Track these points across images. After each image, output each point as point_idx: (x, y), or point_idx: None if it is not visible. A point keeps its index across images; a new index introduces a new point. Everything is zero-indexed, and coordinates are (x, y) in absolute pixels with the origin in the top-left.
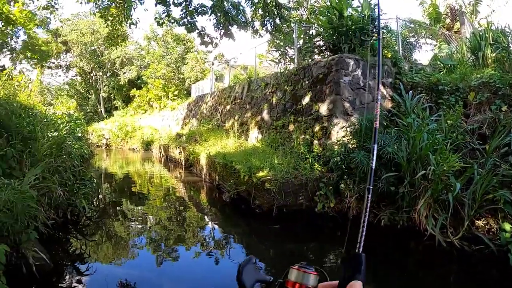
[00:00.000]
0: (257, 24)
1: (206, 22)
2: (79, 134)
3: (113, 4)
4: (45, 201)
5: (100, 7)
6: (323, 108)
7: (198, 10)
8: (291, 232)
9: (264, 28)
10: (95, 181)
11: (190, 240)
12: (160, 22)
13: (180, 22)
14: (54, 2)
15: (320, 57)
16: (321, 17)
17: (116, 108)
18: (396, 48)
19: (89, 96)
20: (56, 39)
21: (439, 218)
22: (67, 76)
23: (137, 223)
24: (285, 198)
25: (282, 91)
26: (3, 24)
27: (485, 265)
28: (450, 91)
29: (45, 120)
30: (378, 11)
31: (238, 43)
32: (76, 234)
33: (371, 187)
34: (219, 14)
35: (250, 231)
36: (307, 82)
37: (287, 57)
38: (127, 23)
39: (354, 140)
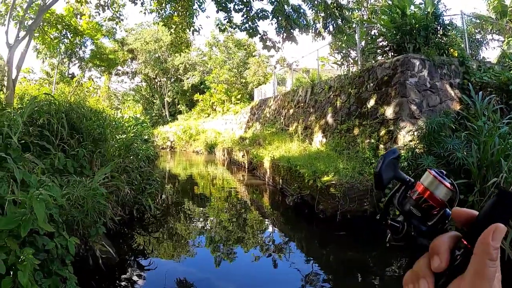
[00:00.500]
0: (318, 26)
1: (268, 26)
2: (146, 137)
3: (175, 12)
4: (113, 199)
5: (163, 16)
6: (389, 111)
7: (259, 15)
8: (353, 239)
9: (326, 30)
10: (159, 181)
11: (250, 242)
12: (222, 28)
13: (242, 28)
14: (119, 13)
15: (383, 58)
16: (383, 17)
17: (180, 112)
18: (463, 46)
19: (154, 101)
20: (123, 48)
21: (510, 231)
22: (132, 82)
23: (198, 222)
24: (349, 203)
25: (346, 94)
26: (71, 35)
27: None
28: None
29: (114, 123)
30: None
31: (299, 47)
32: (140, 231)
33: None
34: (280, 18)
35: (312, 236)
36: (371, 84)
37: (350, 59)
38: (190, 30)
39: (422, 145)
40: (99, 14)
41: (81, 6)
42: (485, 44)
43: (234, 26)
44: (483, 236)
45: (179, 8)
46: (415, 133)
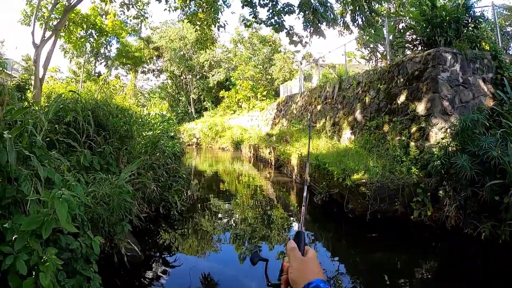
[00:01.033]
0: (347, 19)
1: (294, 21)
2: (172, 134)
3: (199, 9)
4: (139, 196)
5: (187, 13)
6: (420, 107)
7: (285, 10)
8: (383, 240)
9: (355, 23)
10: (185, 178)
11: (276, 240)
12: (248, 24)
13: (268, 23)
14: (144, 11)
15: (412, 52)
16: (412, 9)
17: (206, 109)
18: (494, 39)
19: (180, 98)
20: (148, 46)
21: None
22: (158, 80)
23: (223, 219)
24: (380, 203)
25: (375, 90)
26: (97, 34)
27: None
28: None
29: (140, 120)
30: None
31: (324, 42)
32: (166, 228)
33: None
34: (307, 12)
35: (340, 237)
36: (401, 79)
37: (378, 53)
38: (215, 26)
39: (455, 143)
40: (124, 13)
41: (105, 5)
42: None
43: (259, 22)
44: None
45: (204, 4)
46: (448, 130)
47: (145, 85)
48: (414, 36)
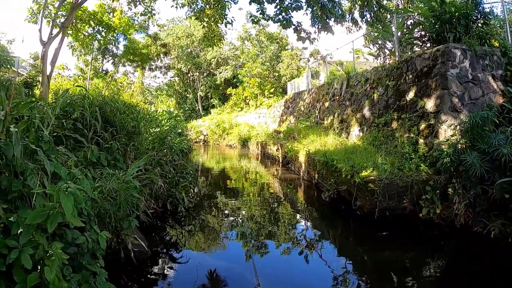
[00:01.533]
0: (355, 15)
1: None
2: (179, 130)
3: (207, 5)
4: (146, 192)
5: (195, 10)
6: (429, 104)
7: (293, 6)
8: (391, 238)
9: (363, 19)
10: (193, 174)
11: (283, 238)
12: (255, 20)
13: (275, 19)
14: (151, 8)
15: (421, 48)
16: (420, 5)
17: (213, 106)
18: (503, 35)
19: (187, 95)
20: (155, 42)
21: None
22: (165, 77)
23: (231, 216)
24: (388, 200)
25: (383, 87)
26: (104, 32)
27: None
28: None
29: (147, 117)
30: None
31: (332, 39)
32: (173, 224)
33: None
34: (315, 8)
35: (348, 234)
36: (410, 76)
37: (386, 50)
38: (222, 22)
39: (464, 140)
40: (131, 10)
41: (113, 2)
42: None
43: (267, 18)
44: None
45: (211, 0)
46: (457, 127)
47: (153, 82)
48: (422, 33)
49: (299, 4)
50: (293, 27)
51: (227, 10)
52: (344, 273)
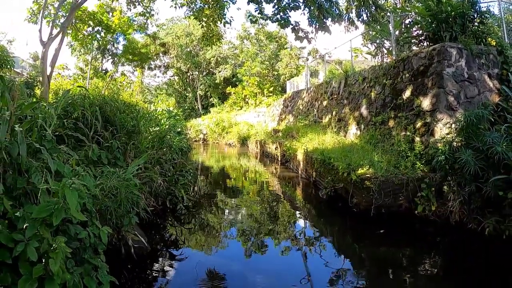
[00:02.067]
0: (352, 15)
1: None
2: (179, 129)
3: (205, 5)
4: (146, 190)
5: (194, 10)
6: (425, 103)
7: (290, 5)
8: (387, 235)
9: (359, 19)
10: (192, 173)
11: (281, 235)
12: (253, 20)
13: (273, 19)
14: (150, 8)
15: (418, 47)
16: (417, 4)
17: (213, 105)
18: (500, 34)
19: (187, 94)
20: (154, 42)
21: None
22: (165, 77)
23: (230, 215)
24: (384, 197)
25: (381, 85)
26: (104, 31)
27: None
28: None
29: (147, 116)
30: None
31: (331, 38)
32: (173, 221)
33: None
34: (312, 8)
35: (344, 231)
36: (407, 75)
37: (384, 49)
38: (221, 22)
39: (459, 138)
40: (130, 10)
41: (112, 2)
42: None
43: (265, 18)
44: None
45: (210, 0)
46: (453, 125)
47: (152, 81)
48: (420, 32)
49: (296, 3)
50: (291, 26)
51: (225, 10)
52: (341, 269)
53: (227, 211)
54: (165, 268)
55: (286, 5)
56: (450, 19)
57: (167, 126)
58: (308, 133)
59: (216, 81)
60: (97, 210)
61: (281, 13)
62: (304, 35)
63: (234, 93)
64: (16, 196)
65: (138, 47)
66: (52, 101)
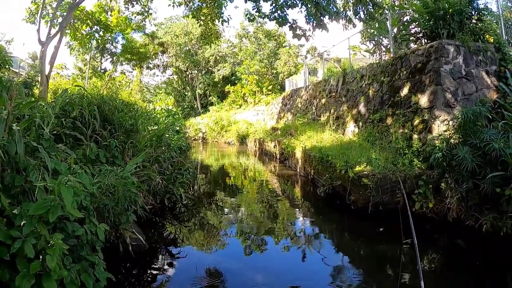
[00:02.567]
0: (349, 13)
1: (297, 14)
2: (177, 128)
3: (203, 4)
4: (144, 188)
5: (192, 9)
6: (423, 100)
7: (288, 3)
8: (385, 232)
9: (357, 17)
10: (191, 171)
11: (280, 233)
12: (251, 18)
13: (271, 17)
14: (148, 7)
15: (416, 45)
16: (415, 2)
17: (212, 104)
18: (498, 31)
19: (186, 93)
20: (153, 41)
21: None
22: (164, 76)
23: (229, 213)
24: (381, 195)
25: (378, 83)
26: (102, 31)
27: None
28: None
29: (145, 115)
30: None
31: (330, 36)
32: (171, 220)
33: None
34: (309, 6)
35: (342, 228)
36: (404, 72)
37: (382, 47)
38: (219, 21)
39: (457, 135)
40: (128, 9)
41: (110, 1)
42: None
43: (263, 16)
44: None
45: None
46: (450, 122)
47: (151, 80)
48: (417, 29)
49: (294, 1)
50: (288, 24)
51: (223, 9)
52: (338, 266)
53: (226, 209)
54: (162, 265)
55: (284, 3)
56: (448, 16)
57: (165, 125)
58: (306, 131)
59: (215, 80)
60: (95, 208)
61: (279, 11)
62: (302, 33)
63: (233, 91)
64: (14, 194)
65: (136, 47)
66: (51, 101)
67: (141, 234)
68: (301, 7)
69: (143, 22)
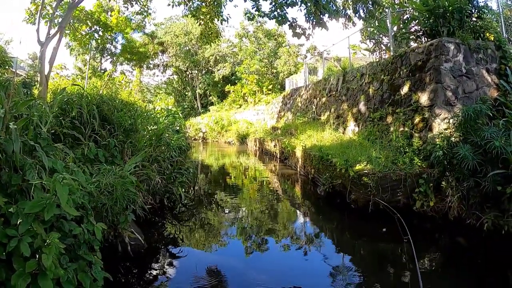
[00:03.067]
0: (349, 12)
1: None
2: (177, 128)
3: (203, 3)
4: (144, 187)
5: (191, 8)
6: (423, 98)
7: (287, 2)
8: (385, 231)
9: (356, 15)
10: (191, 171)
11: (281, 233)
12: (251, 17)
13: (270, 16)
14: (147, 7)
15: (416, 43)
16: (415, 0)
17: (212, 104)
18: (499, 29)
19: (186, 93)
20: (153, 41)
21: None
22: (164, 76)
23: (229, 213)
24: (382, 193)
25: (378, 81)
26: (102, 31)
27: None
28: None
29: (145, 115)
30: None
31: (330, 35)
32: (171, 219)
33: None
34: (309, 4)
35: (343, 227)
36: (405, 70)
37: (382, 45)
38: (218, 20)
39: (457, 133)
40: (128, 9)
41: (109, 1)
42: None
43: (262, 15)
44: None
45: None
46: (451, 120)
47: (151, 81)
48: (417, 27)
49: (294, 0)
50: (288, 23)
51: (222, 8)
52: (339, 264)
53: (226, 209)
54: (162, 265)
55: (283, 1)
56: (448, 14)
57: (164, 125)
58: (306, 130)
59: (215, 80)
60: (93, 207)
61: (278, 10)
62: (302, 32)
63: (233, 91)
64: (11, 193)
65: (136, 46)
66: (50, 101)
67: (140, 234)
68: (300, 6)
69: (143, 22)
